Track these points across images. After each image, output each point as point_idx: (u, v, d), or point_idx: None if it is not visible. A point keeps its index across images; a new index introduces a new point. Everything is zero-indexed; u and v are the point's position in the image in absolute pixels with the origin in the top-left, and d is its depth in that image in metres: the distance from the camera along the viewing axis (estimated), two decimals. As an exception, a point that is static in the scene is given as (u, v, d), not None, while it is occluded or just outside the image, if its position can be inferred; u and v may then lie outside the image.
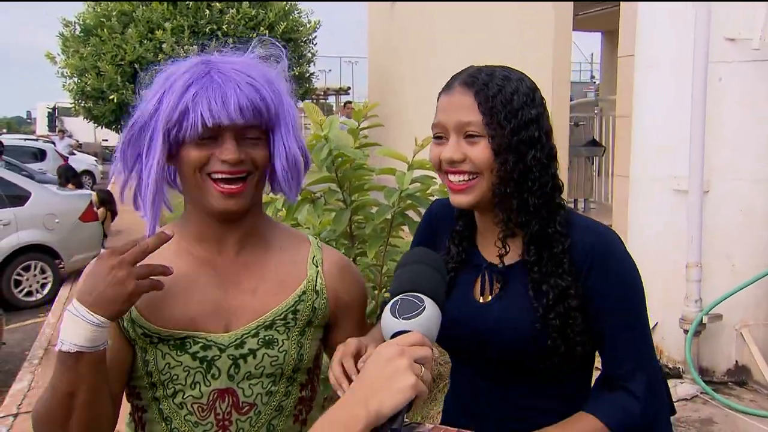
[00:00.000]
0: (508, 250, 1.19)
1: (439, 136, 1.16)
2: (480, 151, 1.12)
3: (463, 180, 1.14)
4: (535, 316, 1.14)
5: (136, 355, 1.14)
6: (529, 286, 1.16)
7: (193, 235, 1.19)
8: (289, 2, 10.49)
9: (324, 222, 2.90)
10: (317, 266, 1.25)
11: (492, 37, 8.44)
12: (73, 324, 0.99)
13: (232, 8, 9.44)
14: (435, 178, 2.80)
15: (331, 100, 29.34)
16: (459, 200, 1.16)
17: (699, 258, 3.37)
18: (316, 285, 1.23)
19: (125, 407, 1.19)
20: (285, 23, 9.94)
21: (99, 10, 10.09)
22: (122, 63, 9.35)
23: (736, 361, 3.48)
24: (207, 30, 9.17)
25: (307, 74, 11.08)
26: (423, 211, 2.86)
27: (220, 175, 1.10)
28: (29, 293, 7.28)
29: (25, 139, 19.50)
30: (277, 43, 1.24)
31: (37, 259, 7.28)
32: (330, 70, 28.63)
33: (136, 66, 9.10)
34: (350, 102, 13.16)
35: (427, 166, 2.80)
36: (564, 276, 1.14)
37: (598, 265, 1.14)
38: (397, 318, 0.89)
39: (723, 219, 3.41)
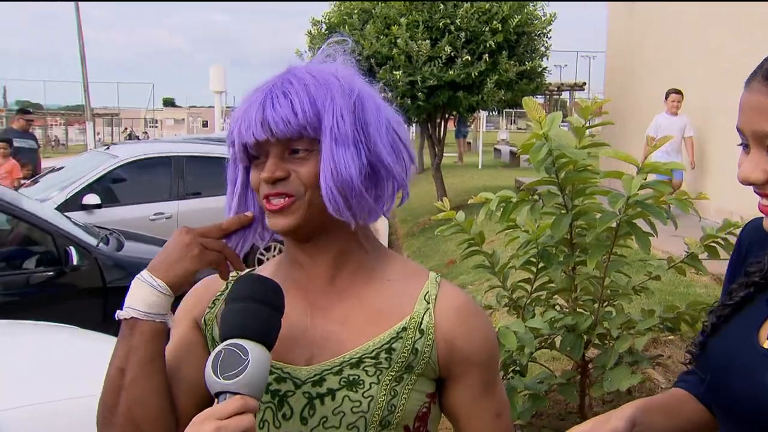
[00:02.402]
0: None
1: (745, 143, 0.90)
2: None
3: None
4: None
5: None
6: None
7: (289, 256, 1.09)
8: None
9: (542, 226, 2.71)
10: (429, 303, 1.03)
11: (745, 33, 7.47)
12: (133, 289, 0.98)
13: (467, 2, 9.45)
14: (670, 185, 2.47)
15: (566, 95, 28.37)
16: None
17: None
18: (421, 323, 1.01)
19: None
20: (519, 17, 9.70)
21: (343, 8, 10.69)
22: (359, 58, 9.77)
23: None
24: (440, 25, 9.26)
25: (539, 69, 10.70)
26: (654, 220, 2.57)
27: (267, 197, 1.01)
28: (268, 271, 7.98)
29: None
30: (346, 37, 1.13)
31: (275, 241, 7.91)
32: (565, 65, 27.63)
33: (372, 61, 9.49)
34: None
35: (661, 170, 2.48)
36: None
37: None
38: (218, 377, 0.84)
39: None
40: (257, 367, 0.84)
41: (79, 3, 20.51)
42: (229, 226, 1.03)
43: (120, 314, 0.98)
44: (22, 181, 8.55)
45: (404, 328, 1.01)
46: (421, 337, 1.00)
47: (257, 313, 0.89)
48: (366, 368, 0.99)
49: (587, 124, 2.60)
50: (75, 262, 4.57)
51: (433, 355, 1.01)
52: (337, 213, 0.98)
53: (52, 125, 40.87)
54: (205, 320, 1.09)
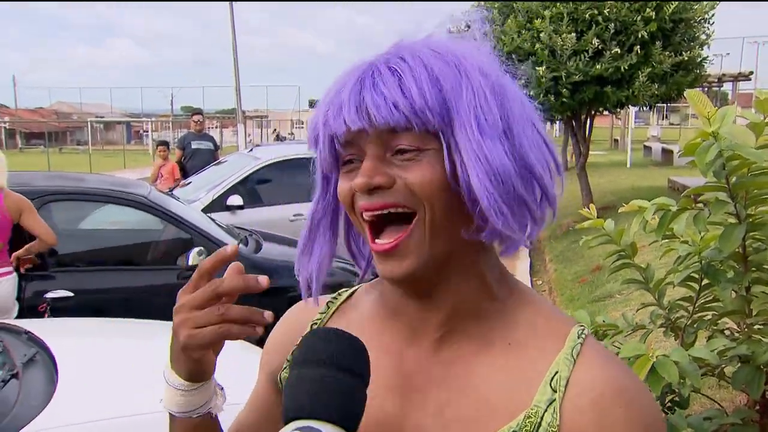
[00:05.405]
0: None
1: None
2: None
3: None
4: None
5: None
6: None
7: (389, 302, 0.81)
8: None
9: (707, 239, 2.34)
10: (556, 390, 0.71)
11: None
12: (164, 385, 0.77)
13: (616, -9, 8.82)
14: None
15: (728, 87, 26.24)
16: None
17: None
18: (540, 425, 0.70)
19: None
20: (676, 2, 8.91)
21: (483, 4, 10.40)
22: (500, 54, 9.46)
23: None
24: (587, 16, 8.69)
25: (699, 59, 9.77)
26: None
27: (365, 216, 0.72)
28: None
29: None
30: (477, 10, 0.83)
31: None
32: (728, 54, 25.48)
33: (513, 56, 9.09)
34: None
35: None
36: None
37: None
38: None
39: None
40: None
41: (234, 12, 21.62)
42: (210, 267, 0.73)
43: (161, 405, 0.80)
44: (182, 182, 9.00)
45: None
46: None
47: (339, 385, 0.63)
48: None
49: (766, 119, 2.20)
50: (190, 263, 4.67)
51: None
52: (506, 225, 0.70)
53: (209, 128, 43.74)
54: (280, 379, 0.87)
